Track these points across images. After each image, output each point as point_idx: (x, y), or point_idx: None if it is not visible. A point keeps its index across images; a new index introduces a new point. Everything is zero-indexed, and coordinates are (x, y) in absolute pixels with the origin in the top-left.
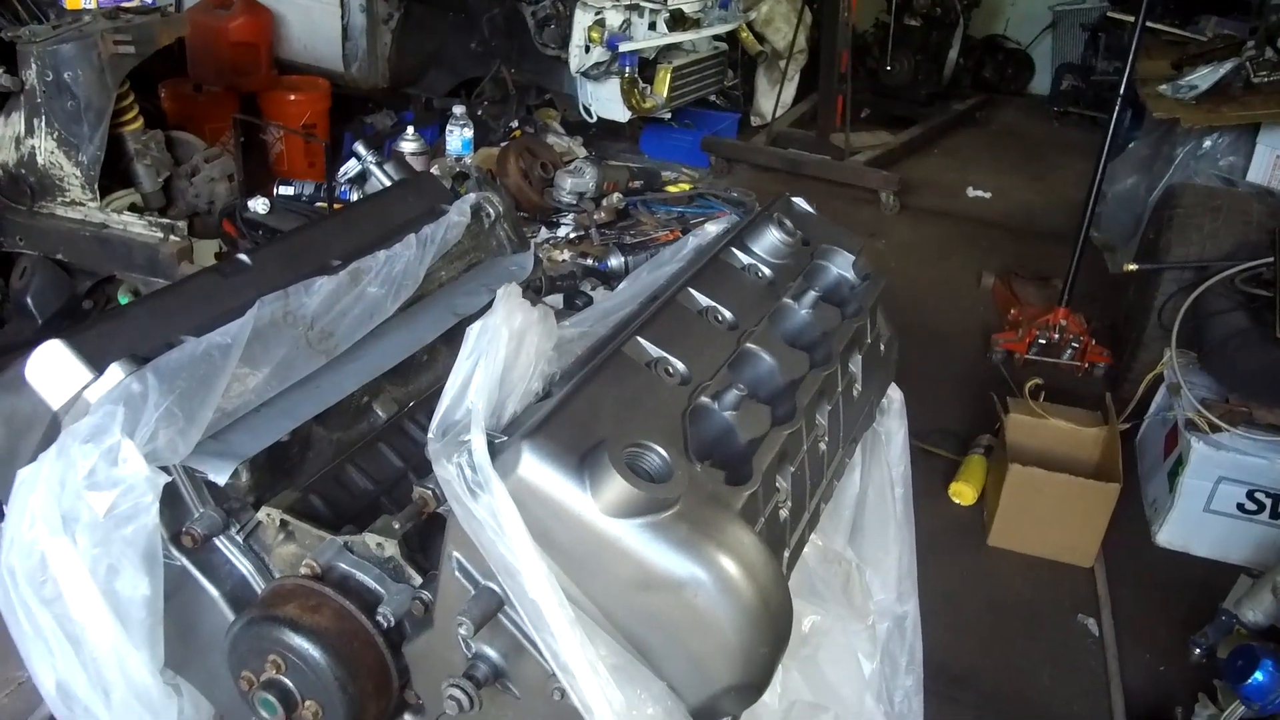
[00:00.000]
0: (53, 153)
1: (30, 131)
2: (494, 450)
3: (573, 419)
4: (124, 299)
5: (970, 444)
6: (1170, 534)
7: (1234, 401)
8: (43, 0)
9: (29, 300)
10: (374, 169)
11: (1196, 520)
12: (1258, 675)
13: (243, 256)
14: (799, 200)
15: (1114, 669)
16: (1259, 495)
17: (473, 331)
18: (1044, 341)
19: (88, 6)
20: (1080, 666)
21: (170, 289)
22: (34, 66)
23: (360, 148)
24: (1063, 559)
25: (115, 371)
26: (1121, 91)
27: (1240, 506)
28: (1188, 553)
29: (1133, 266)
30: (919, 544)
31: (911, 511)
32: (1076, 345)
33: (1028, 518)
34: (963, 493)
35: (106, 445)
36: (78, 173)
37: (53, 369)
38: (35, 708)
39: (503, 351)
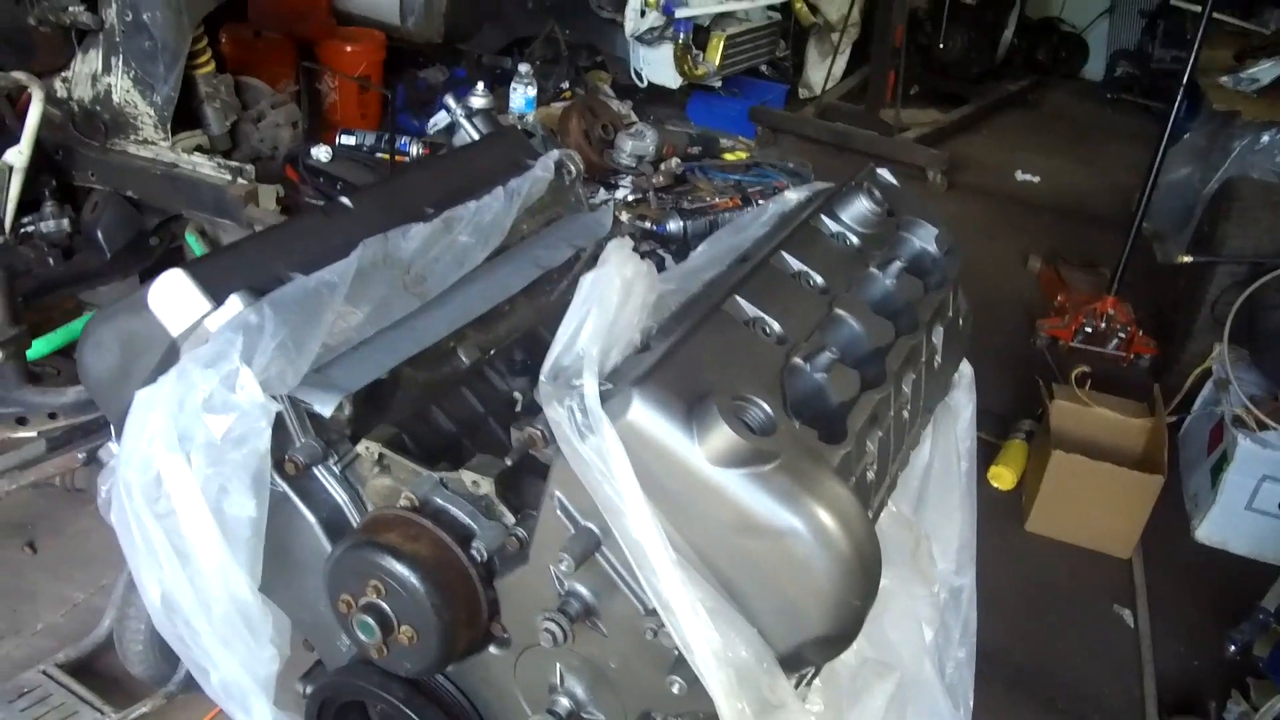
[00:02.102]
0: (128, 91)
1: (107, 69)
2: (604, 395)
3: (679, 370)
4: (190, 237)
5: (1011, 427)
6: (1210, 530)
7: None
8: None
9: (99, 233)
10: (464, 122)
11: (1237, 517)
12: None
13: (345, 200)
14: (884, 171)
15: (1147, 658)
16: None
17: (586, 280)
18: (1090, 329)
19: None
20: (1113, 654)
21: (278, 228)
22: (114, 5)
23: (450, 100)
24: (1101, 548)
25: (235, 302)
26: (1185, 81)
27: None
28: (1226, 550)
29: (1188, 258)
30: None
31: (974, 486)
32: (1123, 334)
33: (1068, 505)
34: (1002, 476)
35: (225, 371)
36: (151, 112)
37: (174, 297)
38: (91, 629)
39: (614, 301)
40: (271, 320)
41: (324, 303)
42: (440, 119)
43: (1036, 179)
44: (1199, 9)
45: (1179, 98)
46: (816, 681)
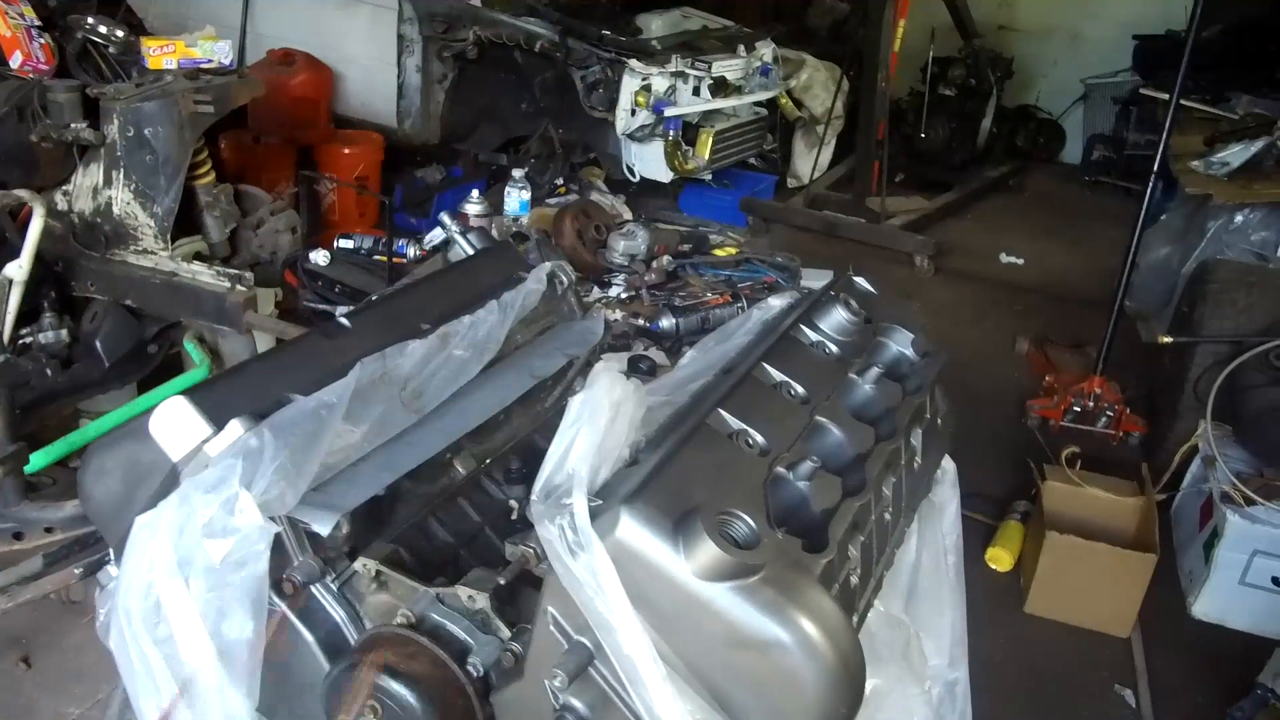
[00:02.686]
0: (129, 203)
1: (108, 183)
2: (593, 513)
3: (666, 486)
4: (189, 344)
5: (1006, 509)
6: (1206, 606)
7: (1269, 475)
8: (125, 61)
9: (98, 343)
10: (458, 238)
11: (1232, 593)
12: None
13: (342, 319)
14: (860, 279)
15: None
16: None
17: (575, 402)
18: (1079, 409)
19: (169, 67)
20: None
21: (278, 350)
22: (116, 122)
23: (445, 218)
24: (1100, 628)
25: (235, 427)
26: (1155, 166)
27: (1276, 580)
28: (1224, 625)
29: (1168, 339)
30: None
31: (963, 579)
32: (1111, 413)
33: (1065, 586)
34: (1000, 558)
35: (225, 496)
36: (151, 223)
37: (175, 423)
38: None
39: (603, 421)
40: (271, 443)
41: (323, 423)
42: (435, 235)
43: (1021, 261)
44: (1167, 97)
45: (1151, 183)
46: None
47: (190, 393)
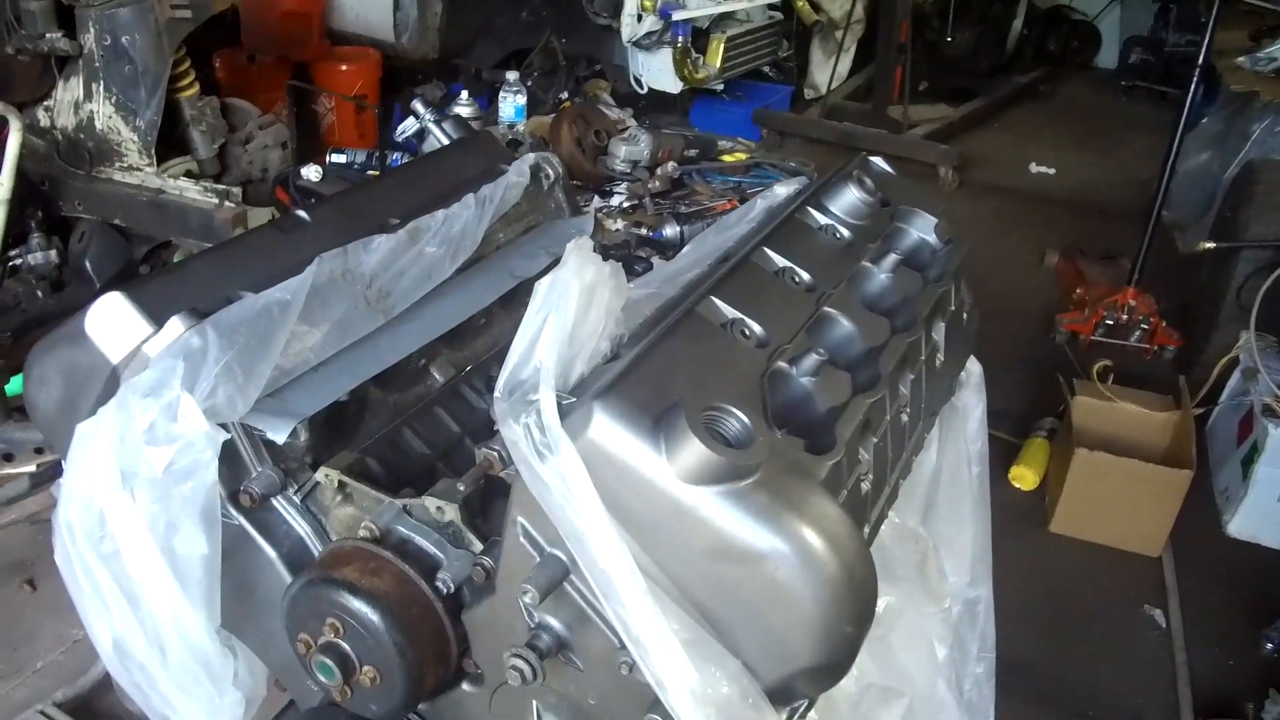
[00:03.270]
0: (110, 117)
1: (89, 96)
2: (563, 411)
3: (646, 379)
4: None
5: (1032, 426)
6: (1241, 524)
7: None
8: None
9: (87, 264)
10: (432, 127)
11: (1270, 510)
12: None
13: (301, 213)
14: (877, 160)
15: (1180, 661)
16: None
17: (541, 285)
18: (1111, 322)
19: None
20: (1145, 659)
21: (229, 244)
22: (92, 30)
23: (419, 105)
24: (1129, 547)
25: (175, 325)
26: (1200, 63)
27: None
28: (1259, 544)
29: (1209, 245)
30: None
31: (988, 491)
32: (1145, 327)
33: (1093, 504)
34: (1024, 476)
35: (166, 400)
36: (135, 138)
37: (112, 322)
38: (90, 666)
39: (573, 307)
40: (215, 343)
41: (275, 323)
42: (409, 125)
43: (1052, 172)
44: None
45: (1194, 82)
46: (812, 714)
47: (128, 289)
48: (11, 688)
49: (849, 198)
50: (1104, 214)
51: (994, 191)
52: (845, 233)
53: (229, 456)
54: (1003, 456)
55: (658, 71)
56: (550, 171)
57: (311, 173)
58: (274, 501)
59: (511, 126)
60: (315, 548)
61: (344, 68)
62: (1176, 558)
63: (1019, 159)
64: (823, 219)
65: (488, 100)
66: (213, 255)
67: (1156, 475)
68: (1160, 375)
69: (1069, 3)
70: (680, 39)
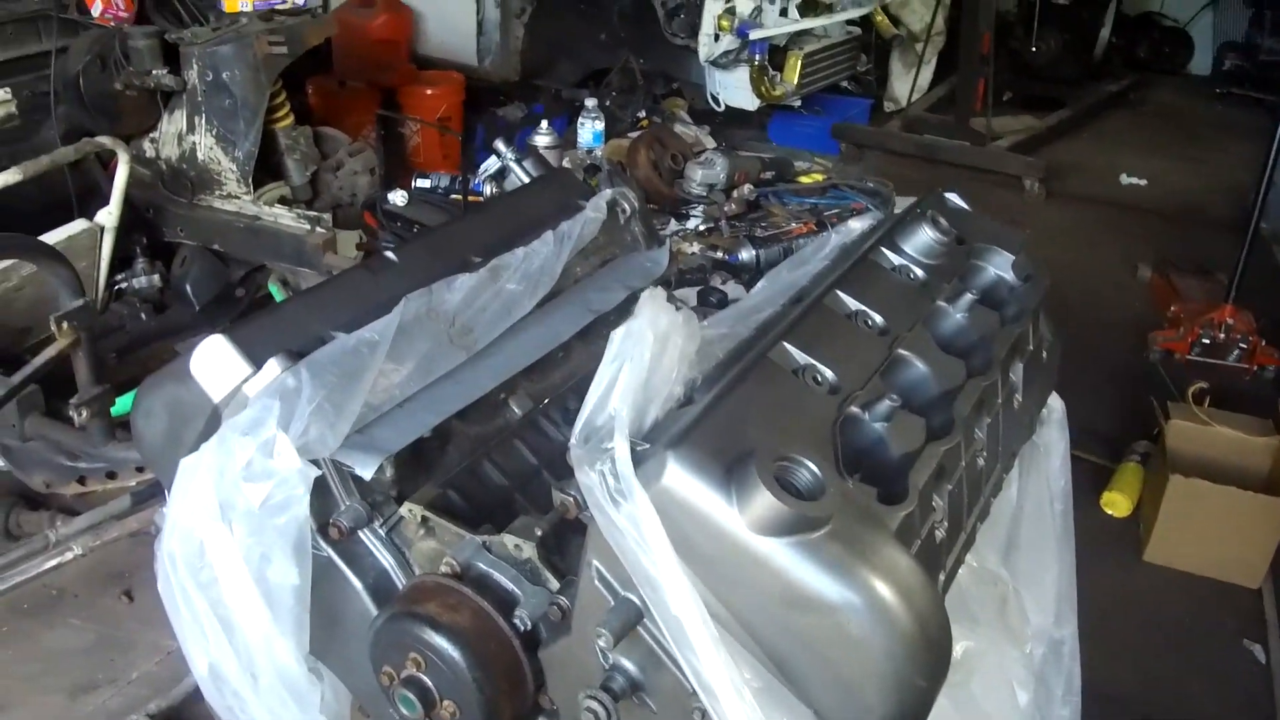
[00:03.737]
0: (211, 148)
1: (191, 128)
2: (637, 458)
3: (718, 428)
4: (273, 287)
5: (1125, 450)
6: None
7: None
8: (203, 4)
9: (188, 287)
10: (513, 165)
11: None
12: None
13: (389, 253)
14: (952, 195)
15: None
16: None
17: (616, 335)
18: (1208, 341)
19: (244, 9)
20: (1242, 695)
21: (322, 286)
22: (195, 67)
23: (500, 144)
24: (1227, 578)
25: (272, 367)
26: None
27: None
28: None
29: None
30: None
31: (1072, 529)
32: (1244, 345)
33: (1189, 532)
34: (1116, 503)
35: (263, 438)
36: (234, 167)
37: (215, 363)
38: (182, 678)
39: (647, 356)
40: (309, 383)
41: (365, 362)
42: (490, 164)
43: (1143, 182)
44: None
45: None
46: None
47: (230, 331)
48: (108, 696)
49: (923, 237)
50: (1199, 225)
51: (1083, 203)
52: (919, 272)
53: (319, 490)
54: (1094, 481)
55: (735, 89)
56: (626, 206)
57: (398, 197)
58: (360, 534)
59: (589, 152)
60: (399, 579)
61: (429, 91)
62: (1277, 590)
63: (1109, 169)
64: (896, 259)
65: (567, 120)
66: (308, 297)
67: (1256, 504)
68: (1260, 396)
69: (1159, 8)
70: (757, 57)
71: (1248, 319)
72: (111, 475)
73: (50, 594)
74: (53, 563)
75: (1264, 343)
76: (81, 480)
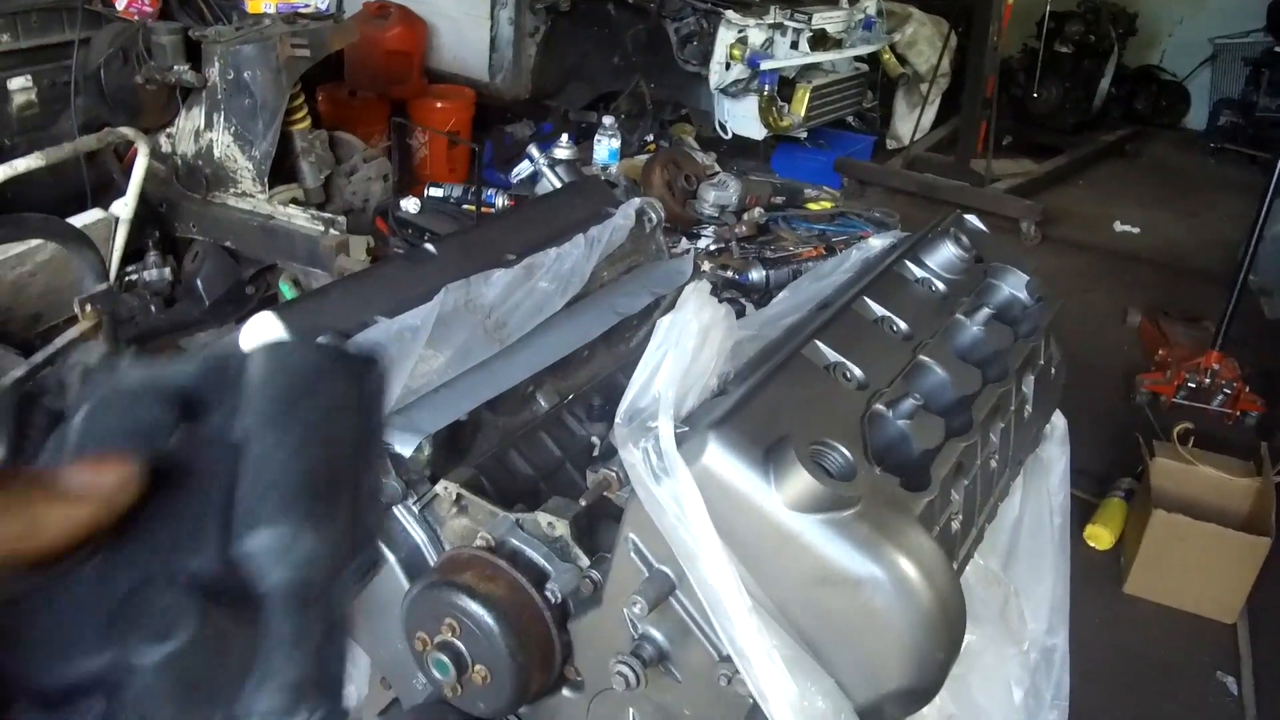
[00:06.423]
0: (228, 146)
1: (209, 125)
2: (679, 438)
3: (755, 414)
4: (284, 286)
5: (1109, 486)
6: None
7: None
8: (226, 3)
9: (198, 283)
10: (546, 170)
11: None
12: None
13: (429, 247)
14: (972, 217)
15: None
16: None
17: (663, 323)
18: (1193, 385)
19: (268, 10)
20: None
21: (365, 272)
22: (217, 65)
23: (534, 149)
24: (1203, 613)
25: None
26: None
27: None
28: None
29: None
30: None
31: (1068, 543)
32: (1228, 391)
33: (1169, 567)
34: (1099, 536)
35: None
36: (250, 166)
37: (264, 339)
38: None
39: (690, 345)
40: None
41: (407, 346)
42: (524, 168)
43: (1136, 230)
44: None
45: None
46: None
47: (279, 309)
48: None
49: (945, 253)
50: (1189, 275)
51: (1077, 248)
52: (940, 286)
53: None
54: (1079, 515)
55: (742, 118)
56: (653, 215)
57: (410, 205)
58: (395, 510)
59: (605, 168)
60: (430, 555)
61: (439, 105)
62: (1252, 625)
63: (1103, 216)
64: (919, 272)
65: (575, 140)
66: (351, 283)
67: (1234, 541)
68: (1242, 441)
69: (1159, 63)
70: (767, 88)
71: (1233, 366)
72: None
73: None
74: None
75: (1247, 389)
76: None
